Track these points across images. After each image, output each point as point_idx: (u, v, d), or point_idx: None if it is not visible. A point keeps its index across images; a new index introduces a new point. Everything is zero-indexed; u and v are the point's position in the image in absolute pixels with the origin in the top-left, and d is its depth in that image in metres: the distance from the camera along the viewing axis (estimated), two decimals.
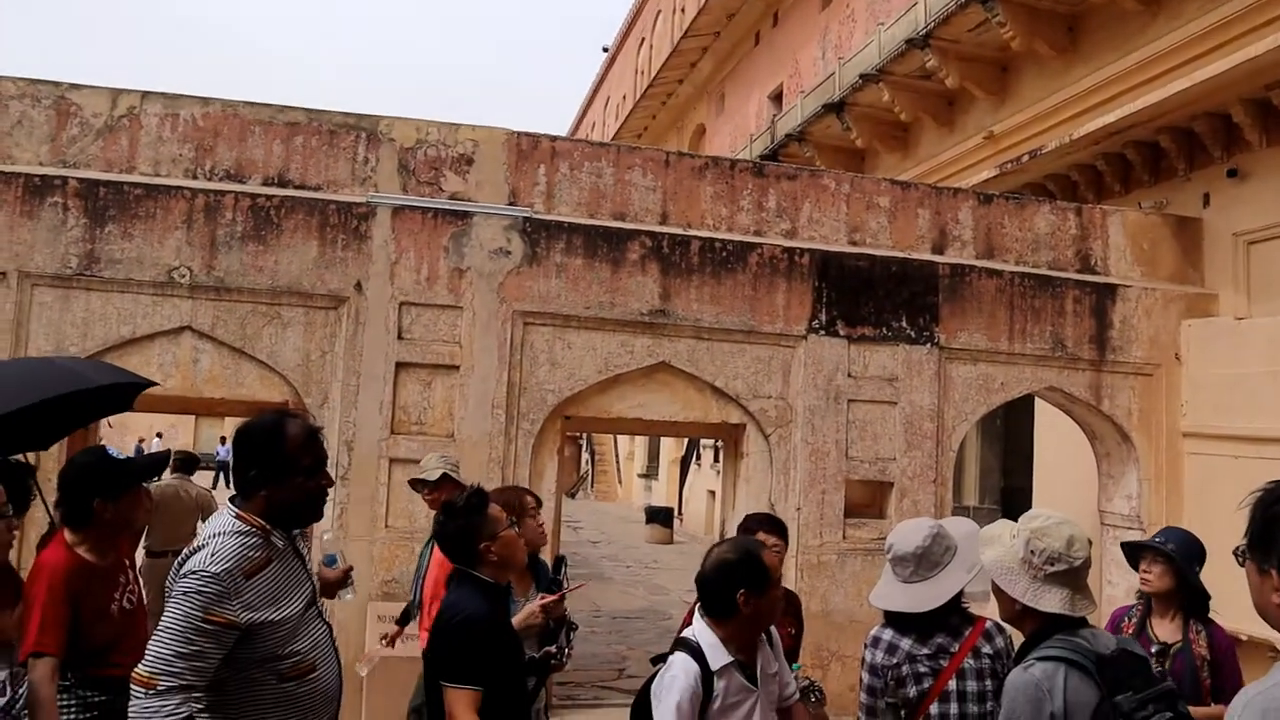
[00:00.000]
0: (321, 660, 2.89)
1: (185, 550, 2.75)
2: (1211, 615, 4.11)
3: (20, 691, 3.29)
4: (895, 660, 3.34)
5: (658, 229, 8.09)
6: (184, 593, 2.63)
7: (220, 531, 2.75)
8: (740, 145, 20.54)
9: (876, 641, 3.43)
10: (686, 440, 22.89)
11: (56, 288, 7.12)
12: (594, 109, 38.75)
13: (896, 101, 13.79)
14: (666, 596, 13.81)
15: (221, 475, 29.76)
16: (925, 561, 3.37)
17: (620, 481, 32.69)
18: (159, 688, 2.55)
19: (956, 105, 13.60)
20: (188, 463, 8.94)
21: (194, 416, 32.82)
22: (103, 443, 3.83)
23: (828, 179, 8.77)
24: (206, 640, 2.62)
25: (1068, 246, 9.16)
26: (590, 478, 34.04)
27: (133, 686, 2.58)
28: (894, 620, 3.43)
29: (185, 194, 7.31)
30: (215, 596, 2.64)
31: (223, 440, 31.25)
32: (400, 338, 7.50)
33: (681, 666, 3.02)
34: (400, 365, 7.48)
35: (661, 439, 25.71)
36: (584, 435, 32.48)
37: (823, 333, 8.30)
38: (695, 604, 3.28)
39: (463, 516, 3.39)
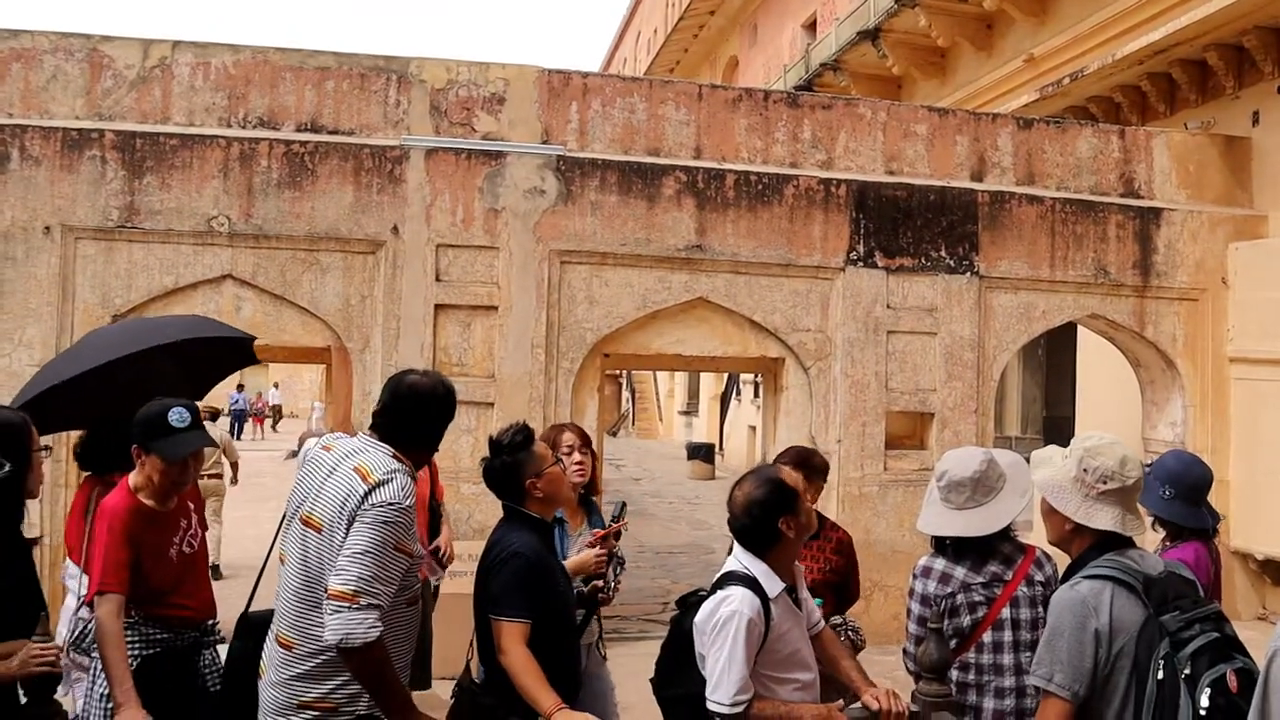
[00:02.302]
0: (418, 590, 3.21)
1: (368, 480, 2.95)
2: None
3: (89, 626, 3.40)
4: (949, 589, 3.32)
5: (692, 163, 8.02)
6: (384, 522, 2.89)
7: (395, 469, 2.99)
8: (774, 77, 20.21)
9: (928, 571, 3.40)
10: (726, 376, 22.90)
11: (99, 240, 7.21)
12: (625, 44, 38.28)
13: (933, 26, 13.49)
14: (709, 531, 13.91)
15: (238, 423, 30.26)
16: (981, 487, 3.34)
17: (661, 419, 32.81)
18: (361, 603, 2.82)
19: (995, 28, 13.29)
20: (213, 415, 11.33)
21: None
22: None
23: (863, 108, 8.63)
24: (397, 566, 2.94)
25: (1110, 170, 8.98)
26: (631, 415, 34.21)
27: (330, 602, 2.82)
28: (945, 549, 3.42)
29: (220, 143, 7.34)
30: (404, 528, 2.95)
31: (239, 388, 31.72)
32: (438, 280, 7.53)
33: (742, 599, 2.98)
34: (439, 307, 7.52)
35: (701, 375, 25.73)
36: (624, 373, 32.59)
37: (861, 264, 8.23)
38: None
39: (508, 453, 3.42)
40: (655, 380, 32.90)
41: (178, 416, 3.49)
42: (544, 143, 7.79)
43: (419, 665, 5.31)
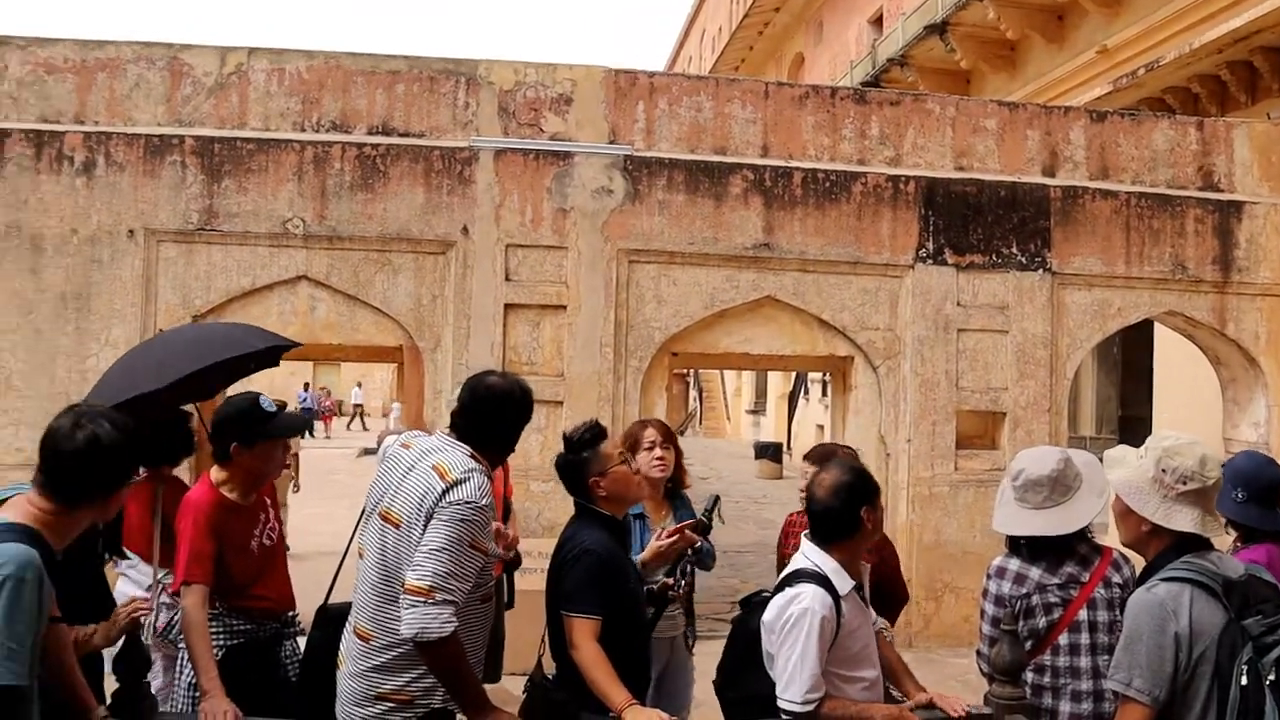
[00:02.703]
0: (491, 587, 3.24)
1: (445, 479, 2.97)
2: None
3: (175, 617, 3.51)
4: (1025, 590, 3.26)
5: (759, 161, 8.01)
6: (460, 519, 2.92)
7: (472, 468, 3.02)
8: (840, 73, 20.08)
9: (1002, 571, 3.34)
10: (794, 375, 22.80)
11: (180, 243, 7.41)
12: (690, 42, 38.30)
13: (1002, 18, 13.30)
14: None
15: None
16: (1059, 486, 3.28)
17: (728, 418, 32.77)
18: (436, 598, 2.85)
19: (1067, 19, 13.06)
20: (282, 407, 10.92)
21: (311, 363, 34.27)
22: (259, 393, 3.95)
23: (931, 103, 8.53)
24: (472, 563, 2.96)
25: (1188, 163, 8.77)
26: (699, 414, 34.20)
27: (406, 596, 2.86)
28: (1020, 549, 3.36)
29: (295, 146, 7.50)
30: (480, 526, 2.98)
31: (305, 386, 32.34)
32: (508, 279, 7.61)
33: (815, 597, 2.97)
34: (509, 306, 7.60)
35: (769, 374, 25.66)
36: (691, 372, 32.62)
37: (930, 261, 8.14)
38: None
39: (575, 451, 3.46)
40: (722, 379, 32.87)
41: (267, 403, 3.67)
42: (611, 142, 7.83)
43: (491, 659, 5.40)
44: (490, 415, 3.19)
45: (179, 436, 4.46)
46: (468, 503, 2.94)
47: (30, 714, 2.32)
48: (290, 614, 3.83)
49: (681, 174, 7.83)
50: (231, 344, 4.75)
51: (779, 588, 3.11)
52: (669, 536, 3.90)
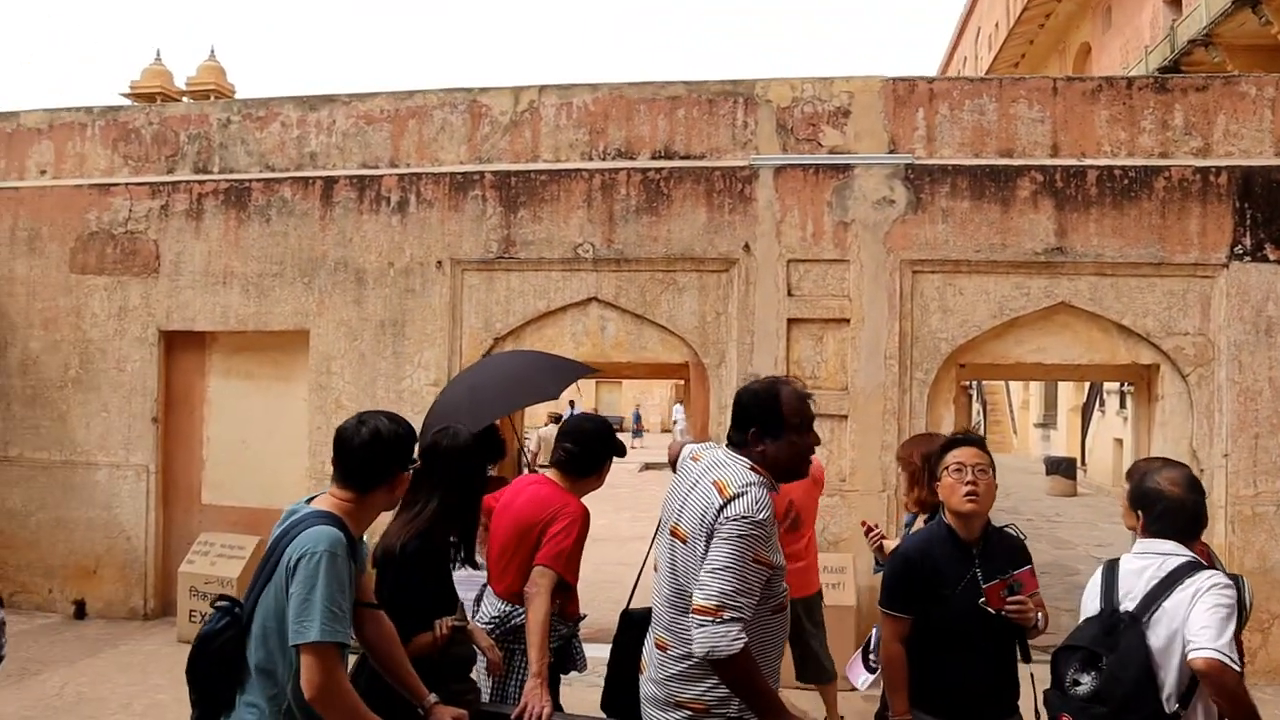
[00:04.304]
0: (786, 599, 3.24)
1: (724, 495, 3.02)
2: None
3: (502, 614, 3.83)
4: None
5: (1048, 162, 7.65)
6: (739, 536, 2.95)
7: (750, 481, 3.04)
8: (1133, 60, 18.85)
9: None
10: (1088, 386, 21.52)
11: (481, 271, 8.00)
12: (964, 43, 37.09)
13: None
14: (1072, 551, 13.13)
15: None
16: None
17: (1015, 431, 31.35)
18: (724, 617, 2.90)
19: None
20: (557, 419, 12.62)
21: (594, 381, 35.82)
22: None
23: (1245, 84, 7.84)
24: (756, 578, 2.97)
25: None
26: (983, 428, 32.88)
27: (695, 616, 2.94)
28: None
29: (583, 175, 7.90)
30: (761, 540, 2.98)
31: (571, 405, 33.80)
32: (790, 295, 7.67)
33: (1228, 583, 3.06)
34: (791, 321, 7.66)
35: (1059, 385, 24.39)
36: (973, 383, 31.47)
37: (1248, 258, 7.48)
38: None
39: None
40: (1008, 391, 31.50)
41: None
42: (891, 152, 7.73)
43: (817, 661, 5.62)
44: (745, 418, 3.17)
45: (494, 445, 5.09)
46: (745, 518, 2.94)
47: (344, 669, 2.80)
48: (582, 616, 4.14)
49: (965, 180, 7.62)
50: (533, 390, 5.73)
51: (1167, 585, 3.07)
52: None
